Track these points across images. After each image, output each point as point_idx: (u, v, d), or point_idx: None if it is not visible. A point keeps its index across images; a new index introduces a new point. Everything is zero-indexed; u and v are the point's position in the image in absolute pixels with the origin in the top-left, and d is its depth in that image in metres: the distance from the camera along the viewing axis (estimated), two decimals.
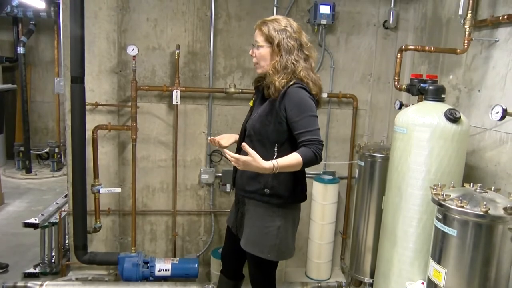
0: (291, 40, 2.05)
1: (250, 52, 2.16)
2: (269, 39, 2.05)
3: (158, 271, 3.24)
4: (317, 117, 2.05)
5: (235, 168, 2.20)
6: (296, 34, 2.08)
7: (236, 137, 2.34)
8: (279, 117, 2.04)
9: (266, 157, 1.92)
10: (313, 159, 1.93)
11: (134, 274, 3.20)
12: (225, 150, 1.99)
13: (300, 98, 2.01)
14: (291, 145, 2.06)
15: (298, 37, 2.09)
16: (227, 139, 2.29)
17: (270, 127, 2.07)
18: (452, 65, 2.94)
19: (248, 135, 2.13)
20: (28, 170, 6.73)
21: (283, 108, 2.03)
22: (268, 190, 2.10)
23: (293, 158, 1.91)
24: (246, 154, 1.87)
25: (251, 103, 2.30)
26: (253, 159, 1.83)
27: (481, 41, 2.58)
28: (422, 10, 3.43)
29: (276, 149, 2.07)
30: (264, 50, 2.08)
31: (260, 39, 2.08)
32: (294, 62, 2.04)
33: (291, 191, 2.14)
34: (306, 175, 3.70)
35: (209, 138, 2.31)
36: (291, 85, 2.03)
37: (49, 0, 5.90)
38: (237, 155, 1.87)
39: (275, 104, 2.05)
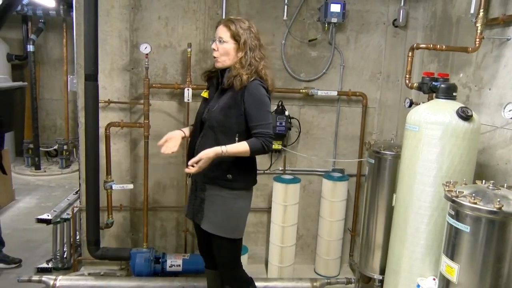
0: (254, 40, 2.25)
1: (212, 46, 2.29)
2: (235, 37, 2.22)
3: (169, 267, 3.29)
4: (270, 112, 2.28)
5: (192, 156, 2.32)
6: (257, 35, 2.29)
7: (180, 133, 2.43)
8: (240, 110, 2.22)
9: (225, 144, 2.18)
10: (260, 150, 2.19)
11: (146, 269, 3.24)
12: (187, 169, 2.18)
13: (259, 95, 2.22)
14: (249, 135, 2.25)
15: (258, 38, 2.29)
16: (175, 141, 2.36)
17: (233, 119, 2.23)
18: (462, 64, 2.95)
19: (210, 126, 2.27)
20: (37, 167, 6.80)
21: (243, 101, 2.21)
22: (230, 176, 2.27)
23: (241, 146, 2.17)
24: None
25: (205, 95, 2.42)
26: (204, 160, 2.13)
27: (492, 39, 2.60)
28: (432, 9, 3.44)
29: (237, 138, 2.24)
30: (229, 46, 2.23)
31: (225, 35, 2.23)
32: (258, 60, 2.24)
33: (249, 175, 2.38)
34: (316, 173, 3.79)
35: (161, 148, 2.34)
36: (252, 80, 2.21)
37: None
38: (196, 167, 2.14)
39: (237, 97, 2.21)
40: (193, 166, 2.15)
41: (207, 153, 2.13)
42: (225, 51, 2.23)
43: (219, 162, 2.24)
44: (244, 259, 3.43)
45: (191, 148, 2.40)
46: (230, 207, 2.31)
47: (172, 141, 2.35)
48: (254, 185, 2.43)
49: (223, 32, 2.23)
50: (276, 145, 3.61)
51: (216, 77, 2.38)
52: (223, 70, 2.31)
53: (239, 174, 2.29)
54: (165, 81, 3.49)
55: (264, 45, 2.32)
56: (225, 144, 2.17)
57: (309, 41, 3.58)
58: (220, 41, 2.24)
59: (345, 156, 3.80)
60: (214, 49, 2.27)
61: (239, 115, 2.22)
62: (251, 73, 2.21)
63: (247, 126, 2.23)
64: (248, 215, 2.45)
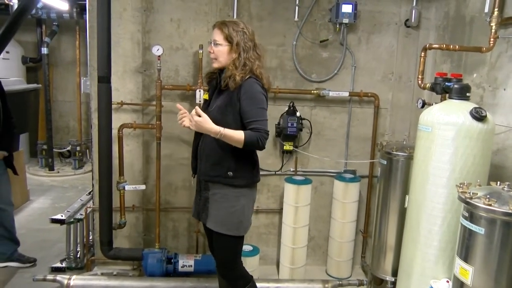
0: (248, 41, 2.30)
1: (208, 49, 2.37)
2: (228, 39, 2.28)
3: (181, 267, 3.31)
4: (266, 109, 2.30)
5: (195, 157, 2.46)
6: (251, 36, 2.33)
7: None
8: (236, 108, 2.26)
9: (228, 144, 2.22)
10: (254, 143, 2.20)
11: (158, 269, 3.27)
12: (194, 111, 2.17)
13: (253, 91, 2.25)
14: None
15: (253, 39, 2.34)
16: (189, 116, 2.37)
17: (229, 117, 2.27)
18: (475, 64, 2.92)
19: None
20: (51, 168, 6.88)
21: (239, 99, 2.25)
22: (231, 173, 2.31)
23: (237, 133, 2.18)
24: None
25: (205, 97, 2.51)
26: (204, 120, 2.14)
27: (507, 39, 2.57)
28: (445, 9, 3.41)
29: None
30: (223, 48, 2.30)
31: (219, 38, 2.30)
32: (252, 61, 2.29)
33: (251, 172, 2.39)
34: (328, 174, 3.77)
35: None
36: (247, 78, 2.26)
37: (71, 1, 6.02)
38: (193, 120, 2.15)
39: (233, 96, 2.26)
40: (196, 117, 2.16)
41: (208, 123, 2.14)
42: (219, 53, 2.31)
43: (220, 160, 2.30)
44: (255, 260, 3.45)
45: (194, 149, 2.47)
46: (232, 204, 2.34)
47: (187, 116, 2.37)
48: (256, 182, 2.47)
49: (217, 34, 2.31)
50: (288, 146, 3.61)
51: (215, 79, 2.44)
52: (221, 71, 2.37)
53: (240, 171, 2.33)
54: (177, 83, 3.52)
55: (258, 45, 2.36)
56: (224, 142, 2.21)
57: (321, 42, 3.57)
58: (214, 44, 2.32)
59: (357, 157, 3.78)
60: (210, 52, 2.36)
61: (235, 113, 2.26)
62: (245, 73, 2.26)
63: (243, 124, 2.26)
64: (252, 212, 2.48)
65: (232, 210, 2.35)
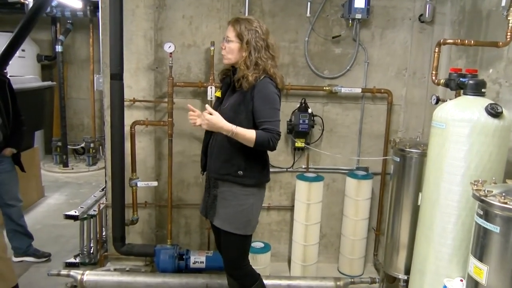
0: (259, 40, 2.28)
1: (221, 45, 2.38)
2: (239, 36, 2.28)
3: (193, 263, 3.33)
4: (279, 110, 2.30)
5: (205, 154, 2.46)
6: (264, 36, 2.31)
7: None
8: (249, 107, 2.26)
9: (238, 142, 2.21)
10: (265, 143, 2.20)
11: (170, 265, 3.29)
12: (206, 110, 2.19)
13: (267, 91, 2.25)
14: None
15: (265, 38, 2.32)
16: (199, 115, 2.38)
17: (242, 115, 2.27)
18: (491, 59, 2.86)
19: None
20: (65, 165, 6.97)
21: (252, 98, 2.25)
22: (241, 172, 2.30)
23: (249, 133, 2.19)
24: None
25: (218, 94, 2.50)
26: (217, 118, 2.16)
27: None
28: (460, 3, 3.35)
29: None
30: (234, 45, 2.30)
31: (231, 34, 2.30)
32: (264, 60, 2.27)
33: (260, 172, 2.39)
34: (340, 171, 3.75)
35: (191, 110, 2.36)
36: (262, 78, 2.25)
37: None
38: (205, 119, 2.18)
39: (246, 95, 2.26)
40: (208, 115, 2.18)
41: (220, 121, 2.16)
42: (230, 50, 2.32)
43: (230, 158, 2.30)
44: (267, 257, 3.45)
45: (204, 146, 2.47)
46: (241, 203, 2.34)
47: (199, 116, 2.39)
48: (266, 182, 2.46)
49: (230, 31, 2.31)
50: (299, 143, 3.59)
51: (229, 77, 2.44)
52: (235, 70, 2.37)
53: (250, 170, 2.32)
54: (189, 80, 3.53)
55: (271, 45, 2.33)
56: (236, 141, 2.21)
57: (333, 37, 3.54)
58: (226, 40, 2.32)
59: (370, 154, 3.75)
60: (221, 47, 2.37)
61: (248, 112, 2.26)
62: (258, 72, 2.25)
63: (255, 123, 2.26)
64: (260, 211, 2.47)
65: (240, 208, 2.34)
